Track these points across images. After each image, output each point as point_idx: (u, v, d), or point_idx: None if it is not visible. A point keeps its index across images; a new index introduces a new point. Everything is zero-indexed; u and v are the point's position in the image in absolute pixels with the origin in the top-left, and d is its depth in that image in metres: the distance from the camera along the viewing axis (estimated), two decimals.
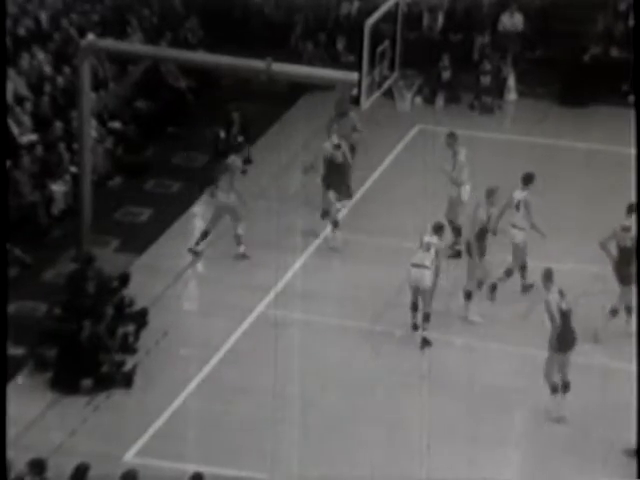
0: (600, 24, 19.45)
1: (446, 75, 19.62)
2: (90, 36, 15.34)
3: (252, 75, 16.79)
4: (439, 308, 14.25)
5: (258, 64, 14.42)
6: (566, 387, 12.75)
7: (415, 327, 14.03)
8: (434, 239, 13.90)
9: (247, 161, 17.74)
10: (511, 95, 19.56)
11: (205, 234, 15.53)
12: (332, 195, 15.86)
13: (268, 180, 17.23)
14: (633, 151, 16.51)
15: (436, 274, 13.88)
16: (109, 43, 16.51)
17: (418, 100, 19.50)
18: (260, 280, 15.00)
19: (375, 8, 18.31)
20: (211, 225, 15.55)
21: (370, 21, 14.96)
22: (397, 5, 15.81)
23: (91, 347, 13.19)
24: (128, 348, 13.63)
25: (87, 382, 13.08)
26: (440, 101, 19.62)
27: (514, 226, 14.45)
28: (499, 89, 19.50)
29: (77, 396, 12.97)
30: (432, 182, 16.60)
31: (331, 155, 15.85)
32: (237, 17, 20.35)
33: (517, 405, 12.94)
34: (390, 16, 16.47)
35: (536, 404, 12.88)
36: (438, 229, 13.97)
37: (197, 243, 15.56)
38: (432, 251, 13.81)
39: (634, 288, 13.44)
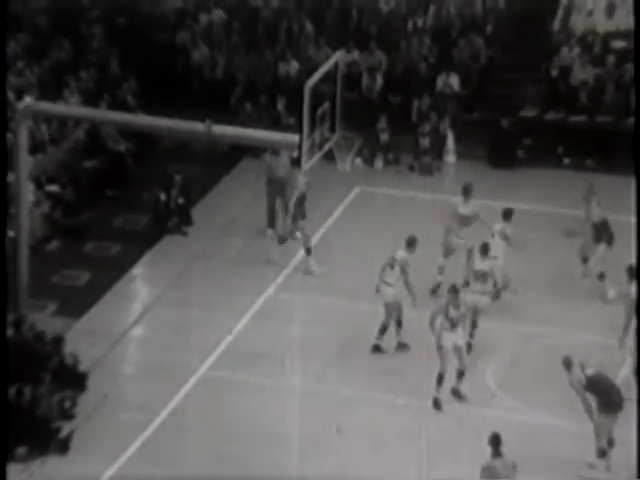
0: (535, 87, 19.79)
1: (384, 136, 19.78)
2: (27, 99, 15.22)
3: (192, 137, 16.78)
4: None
5: (198, 127, 14.40)
6: (611, 444, 12.81)
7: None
8: (400, 254, 14.43)
9: (188, 223, 17.70)
10: (450, 157, 19.75)
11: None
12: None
13: (209, 241, 17.15)
14: (567, 212, 16.71)
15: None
16: (47, 106, 16.37)
17: (358, 161, 19.61)
18: (201, 342, 14.83)
19: (313, 68, 18.52)
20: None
21: (310, 83, 15.08)
22: (336, 66, 15.98)
23: (27, 414, 12.88)
24: (65, 414, 13.34)
25: (22, 450, 12.77)
26: (379, 162, 19.76)
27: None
28: (438, 150, 19.68)
29: (11, 463, 12.63)
30: (372, 243, 16.67)
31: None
32: (176, 78, 20.37)
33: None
34: (329, 77, 16.64)
35: None
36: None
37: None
38: (396, 268, 14.27)
39: None
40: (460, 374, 13.95)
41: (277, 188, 17.16)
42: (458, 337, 13.85)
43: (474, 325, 14.64)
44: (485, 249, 14.83)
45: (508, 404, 13.79)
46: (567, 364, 12.93)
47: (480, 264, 14.70)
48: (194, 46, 20.85)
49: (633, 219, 13.66)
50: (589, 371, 12.80)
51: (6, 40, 14.61)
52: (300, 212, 16.41)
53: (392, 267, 14.59)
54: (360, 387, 14.07)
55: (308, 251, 16.44)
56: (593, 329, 14.52)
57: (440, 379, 13.79)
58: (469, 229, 15.76)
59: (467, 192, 15.93)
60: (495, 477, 11.54)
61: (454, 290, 13.88)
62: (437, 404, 13.80)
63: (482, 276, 14.61)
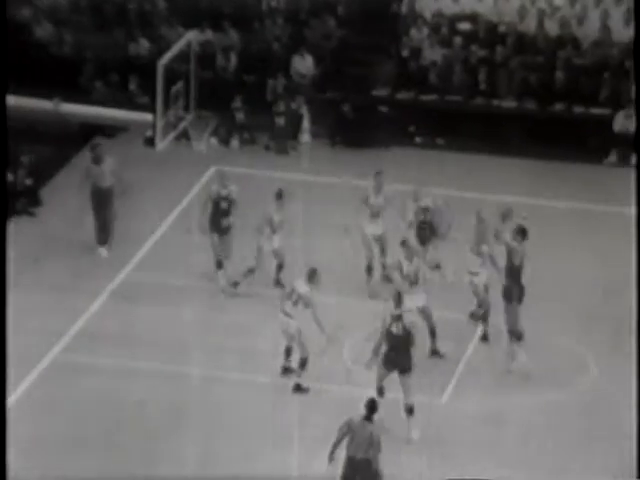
0: (386, 67, 20.02)
1: (240, 116, 19.72)
2: None
3: (40, 116, 16.35)
4: None
5: (45, 104, 14.04)
6: (410, 411, 13.04)
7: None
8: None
9: (36, 204, 17.25)
10: (305, 136, 19.84)
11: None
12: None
13: (59, 223, 16.78)
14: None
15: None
16: None
17: (213, 141, 19.50)
18: (52, 325, 14.56)
19: (166, 47, 18.25)
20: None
21: (163, 61, 14.88)
22: (189, 45, 15.81)
23: None
24: None
25: None
26: (235, 142, 19.69)
27: None
28: (293, 130, 19.72)
29: None
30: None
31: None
32: (20, 55, 19.72)
33: None
34: (183, 56, 16.39)
35: None
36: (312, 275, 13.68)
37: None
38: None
39: None
40: (288, 351, 14.01)
41: (104, 199, 16.12)
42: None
43: (280, 267, 15.17)
44: (279, 195, 15.26)
45: (364, 380, 13.92)
46: (396, 300, 13.12)
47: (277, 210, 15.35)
48: (37, 23, 20.26)
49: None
50: (395, 329, 13.01)
51: (7, 40, 14.02)
52: (215, 227, 15.40)
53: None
54: (216, 367, 14.00)
55: (219, 264, 15.41)
56: (444, 306, 14.80)
57: (303, 363, 13.77)
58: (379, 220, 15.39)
59: (379, 180, 15.38)
60: (350, 432, 11.59)
61: (313, 275, 13.74)
62: (300, 389, 13.80)
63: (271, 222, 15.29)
